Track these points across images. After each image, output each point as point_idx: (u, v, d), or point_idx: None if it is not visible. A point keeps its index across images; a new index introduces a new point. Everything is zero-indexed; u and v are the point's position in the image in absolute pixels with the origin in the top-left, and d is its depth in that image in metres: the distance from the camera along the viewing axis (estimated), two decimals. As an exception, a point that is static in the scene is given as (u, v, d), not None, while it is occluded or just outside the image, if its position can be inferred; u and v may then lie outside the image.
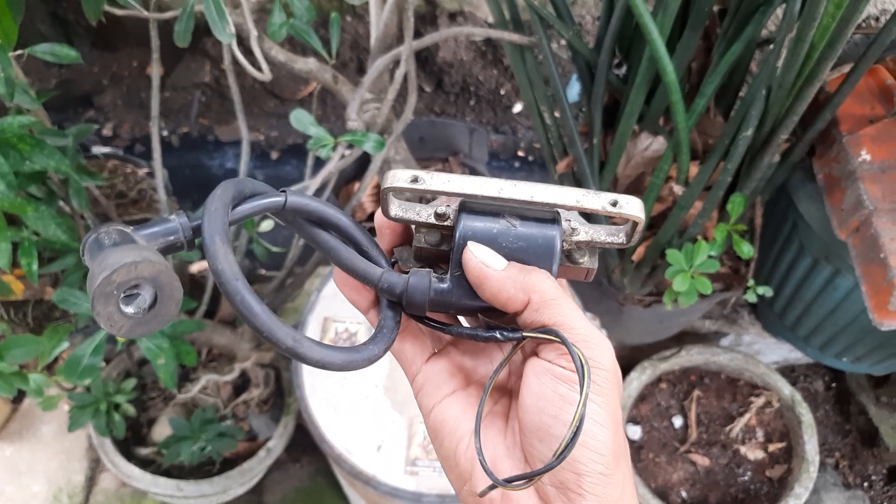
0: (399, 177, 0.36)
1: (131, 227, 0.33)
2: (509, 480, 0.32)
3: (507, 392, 0.38)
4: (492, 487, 0.32)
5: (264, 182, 0.37)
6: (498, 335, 0.35)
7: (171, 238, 0.33)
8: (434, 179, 0.35)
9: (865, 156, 0.98)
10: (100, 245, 0.31)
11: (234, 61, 0.99)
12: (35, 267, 1.01)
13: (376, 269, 0.37)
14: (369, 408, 0.97)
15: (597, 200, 0.36)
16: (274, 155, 2.15)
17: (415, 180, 0.35)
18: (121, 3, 0.87)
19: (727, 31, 0.98)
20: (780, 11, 0.98)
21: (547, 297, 0.33)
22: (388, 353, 0.37)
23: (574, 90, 1.99)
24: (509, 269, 0.34)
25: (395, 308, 0.38)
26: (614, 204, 0.36)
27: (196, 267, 1.58)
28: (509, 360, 0.36)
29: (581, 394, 0.31)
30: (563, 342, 0.32)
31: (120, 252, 0.30)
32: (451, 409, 0.36)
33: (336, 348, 0.34)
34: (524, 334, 0.35)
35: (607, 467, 0.32)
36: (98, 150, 2.09)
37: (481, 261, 0.34)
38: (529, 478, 0.32)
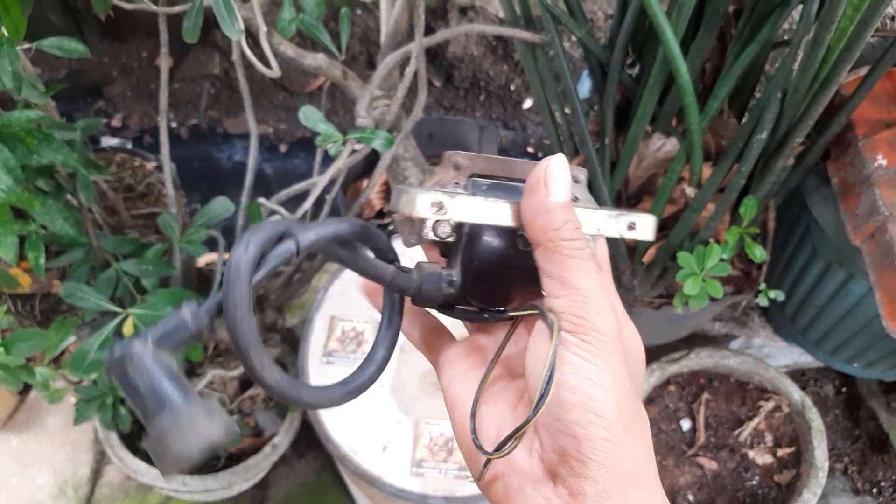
0: (419, 204, 0.34)
1: (149, 335, 0.30)
2: (497, 449, 0.32)
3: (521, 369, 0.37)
4: (486, 464, 0.32)
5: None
6: (486, 315, 0.36)
7: (186, 336, 0.31)
8: (458, 206, 0.34)
9: (881, 161, 0.97)
10: (133, 386, 0.29)
11: (243, 57, 0.98)
12: (42, 261, 1.01)
13: (388, 268, 0.36)
14: (375, 408, 0.97)
15: (615, 226, 0.35)
16: (283, 148, 2.15)
17: (439, 208, 0.34)
18: (130, -4, 0.86)
19: (742, 31, 0.97)
20: (796, 13, 0.96)
21: (562, 250, 0.32)
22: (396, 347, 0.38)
23: (585, 86, 1.97)
24: (559, 205, 0.32)
25: (397, 307, 0.38)
26: (631, 227, 0.36)
27: (203, 259, 1.58)
28: (511, 335, 0.37)
29: (551, 345, 0.30)
30: (540, 311, 0.32)
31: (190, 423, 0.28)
32: (465, 385, 0.36)
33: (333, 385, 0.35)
34: (509, 314, 0.36)
35: (610, 432, 0.30)
36: (107, 141, 2.10)
37: (548, 178, 0.32)
38: (513, 436, 0.31)
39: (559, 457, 0.31)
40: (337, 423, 0.95)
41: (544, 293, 0.33)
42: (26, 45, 0.92)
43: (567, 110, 1.13)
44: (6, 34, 0.83)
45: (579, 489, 0.30)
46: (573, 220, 0.32)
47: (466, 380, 0.36)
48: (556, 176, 0.32)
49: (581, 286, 0.31)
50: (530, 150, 2.17)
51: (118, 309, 1.00)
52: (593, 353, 0.31)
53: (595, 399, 0.30)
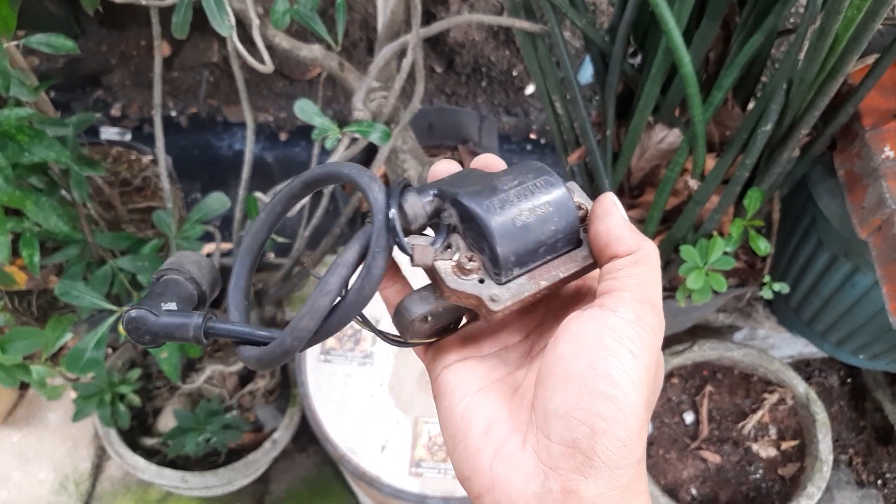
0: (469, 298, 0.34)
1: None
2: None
3: (524, 362, 0.37)
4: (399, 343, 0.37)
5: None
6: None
7: (181, 337, 0.35)
8: (507, 296, 0.34)
9: (889, 152, 0.95)
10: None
11: (238, 51, 0.96)
12: (37, 258, 1.00)
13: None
14: (374, 407, 0.96)
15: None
16: (283, 136, 2.13)
17: (491, 300, 0.34)
18: (118, -9, 0.85)
19: (747, 20, 0.94)
20: (802, 0, 0.94)
21: (651, 261, 0.34)
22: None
23: (587, 71, 1.95)
24: (626, 224, 0.35)
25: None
26: None
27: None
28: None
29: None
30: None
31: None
32: (457, 373, 0.36)
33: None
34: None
35: (629, 435, 0.29)
36: (106, 131, 2.08)
37: (615, 202, 0.35)
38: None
39: (567, 448, 0.29)
40: (335, 423, 0.94)
41: (614, 289, 0.33)
42: (15, 42, 0.90)
43: (568, 97, 1.11)
44: (-7, 31, 0.81)
45: (575, 488, 0.29)
46: (642, 236, 0.35)
47: (459, 371, 0.36)
48: (618, 204, 0.35)
49: (654, 293, 0.33)
50: (533, 136, 2.15)
51: (114, 307, 0.99)
52: (643, 353, 0.30)
53: (628, 396, 0.29)
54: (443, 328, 0.37)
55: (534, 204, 0.34)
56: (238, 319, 0.36)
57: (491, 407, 0.34)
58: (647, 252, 0.34)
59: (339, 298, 0.33)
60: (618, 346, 0.30)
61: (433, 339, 0.37)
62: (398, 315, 0.35)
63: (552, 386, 0.31)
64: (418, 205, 0.34)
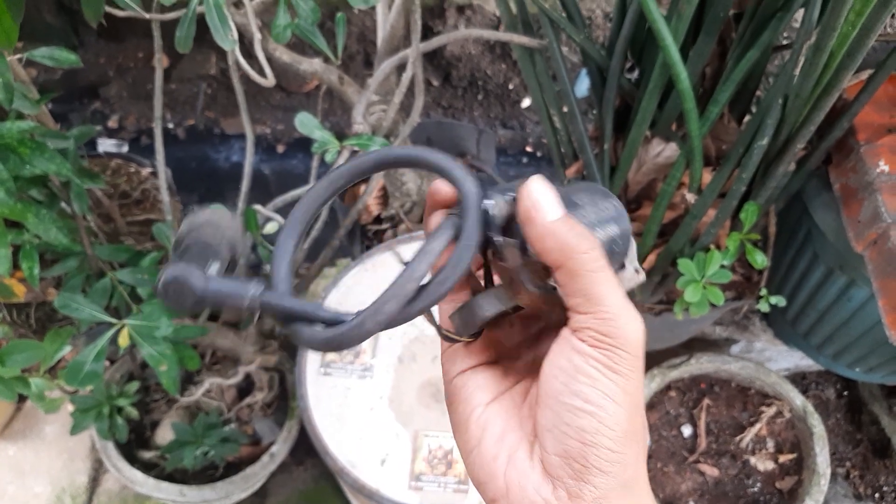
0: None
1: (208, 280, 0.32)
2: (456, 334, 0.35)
3: (529, 371, 0.37)
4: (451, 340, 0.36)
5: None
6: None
7: (232, 305, 0.32)
8: None
9: (884, 167, 0.96)
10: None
11: (237, 64, 0.97)
12: (36, 271, 1.00)
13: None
14: (374, 420, 0.96)
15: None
16: (280, 148, 2.13)
17: None
18: (120, 4, 0.85)
19: (743, 36, 0.95)
20: (798, 16, 0.95)
21: (584, 266, 0.31)
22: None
23: (584, 84, 1.96)
24: (560, 222, 0.32)
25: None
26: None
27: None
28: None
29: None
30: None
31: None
32: (473, 379, 0.36)
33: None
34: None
35: (616, 444, 0.31)
36: (103, 143, 2.08)
37: (536, 202, 0.32)
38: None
39: (562, 459, 0.32)
40: (335, 436, 0.94)
41: (568, 306, 0.32)
42: (18, 56, 0.91)
43: (565, 110, 1.11)
44: (-4, 44, 0.82)
45: (578, 492, 0.31)
46: (582, 232, 0.32)
47: (475, 375, 0.37)
48: (543, 195, 0.32)
49: (607, 301, 0.32)
50: (529, 149, 2.16)
51: (113, 320, 0.99)
52: (613, 368, 0.31)
53: (607, 412, 0.31)
54: (481, 329, 0.37)
55: (603, 219, 0.34)
56: (286, 293, 0.33)
57: (503, 416, 0.35)
58: (577, 263, 0.32)
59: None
60: (585, 365, 0.31)
61: (471, 339, 0.37)
62: (469, 311, 0.35)
63: (541, 402, 0.33)
64: (501, 203, 0.33)
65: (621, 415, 0.31)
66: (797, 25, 0.95)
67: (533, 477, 0.32)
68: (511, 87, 2.19)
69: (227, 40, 0.79)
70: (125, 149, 2.09)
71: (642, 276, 0.37)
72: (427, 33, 2.05)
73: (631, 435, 0.32)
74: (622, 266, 0.36)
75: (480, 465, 0.34)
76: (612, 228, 0.35)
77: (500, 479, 0.33)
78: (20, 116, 0.96)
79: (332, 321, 0.32)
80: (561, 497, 0.32)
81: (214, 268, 0.32)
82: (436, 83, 2.20)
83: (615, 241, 0.35)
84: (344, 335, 0.31)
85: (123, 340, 1.00)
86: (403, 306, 0.31)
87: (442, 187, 0.35)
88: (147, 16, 0.88)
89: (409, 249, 1.15)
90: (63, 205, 1.05)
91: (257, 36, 0.92)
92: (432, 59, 2.18)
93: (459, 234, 0.32)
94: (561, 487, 0.32)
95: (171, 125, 2.16)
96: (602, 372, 0.31)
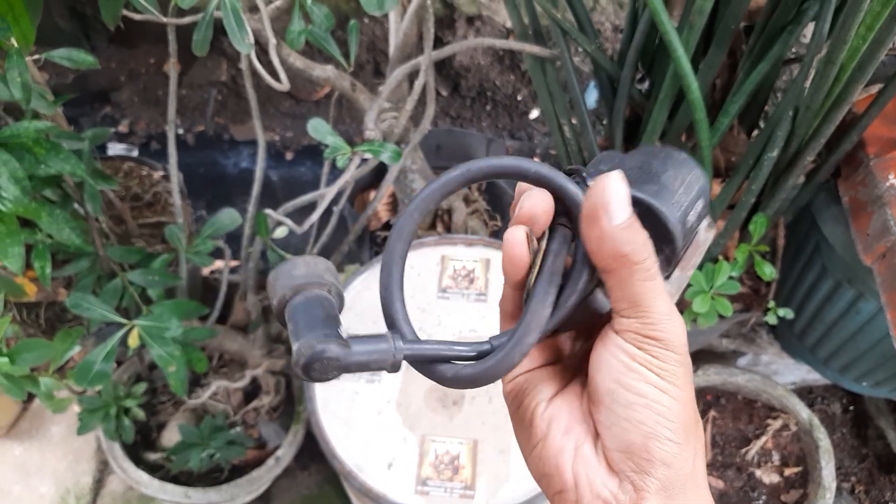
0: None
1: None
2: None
3: (582, 368, 0.37)
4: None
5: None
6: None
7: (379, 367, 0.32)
8: None
9: (893, 180, 0.96)
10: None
11: (251, 68, 0.98)
12: (48, 270, 1.01)
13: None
14: (381, 424, 0.96)
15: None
16: (289, 156, 2.15)
17: None
18: (138, 7, 0.86)
19: (753, 48, 0.96)
20: (808, 30, 0.96)
21: (635, 276, 0.31)
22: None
23: (592, 97, 1.97)
24: (623, 229, 0.30)
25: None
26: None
27: (208, 269, 1.58)
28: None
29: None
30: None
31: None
32: (536, 376, 0.37)
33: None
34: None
35: (676, 434, 0.32)
36: (113, 147, 2.10)
37: (606, 203, 0.30)
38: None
39: (624, 454, 0.32)
40: (342, 440, 0.94)
41: (612, 308, 0.33)
42: (35, 57, 0.92)
43: (575, 121, 1.12)
44: (15, 45, 0.83)
45: (643, 485, 0.32)
46: (641, 238, 0.31)
47: (539, 373, 0.37)
48: (616, 195, 0.30)
49: (653, 308, 0.32)
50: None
51: (123, 320, 1.00)
52: (661, 367, 0.32)
53: (662, 403, 0.32)
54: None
55: (693, 199, 0.33)
56: (411, 335, 0.33)
57: (567, 409, 0.35)
58: (629, 269, 0.31)
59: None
60: (633, 363, 0.32)
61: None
62: (586, 306, 0.34)
63: (596, 401, 0.33)
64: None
65: (677, 408, 0.32)
66: (806, 41, 0.95)
67: (600, 471, 0.33)
68: (519, 97, 2.21)
69: (244, 44, 0.80)
70: (135, 153, 2.10)
71: (713, 231, 0.36)
72: (436, 44, 2.06)
73: (689, 428, 0.32)
74: (675, 266, 0.35)
75: (546, 459, 0.34)
76: (700, 205, 0.34)
77: (567, 472, 0.33)
78: (36, 116, 0.97)
79: (472, 357, 0.32)
80: (627, 490, 0.32)
81: (343, 330, 0.31)
82: (444, 93, 2.21)
83: (701, 215, 0.34)
84: (489, 371, 0.32)
85: (133, 341, 1.01)
86: (542, 334, 0.32)
87: (538, 201, 0.33)
88: (164, 20, 0.89)
89: (417, 255, 1.15)
90: (76, 205, 1.06)
91: (272, 41, 0.92)
92: (441, 69, 2.20)
93: (574, 249, 0.32)
94: (627, 481, 0.32)
95: (181, 131, 2.17)
96: (651, 369, 0.32)
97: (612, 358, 0.32)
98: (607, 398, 0.33)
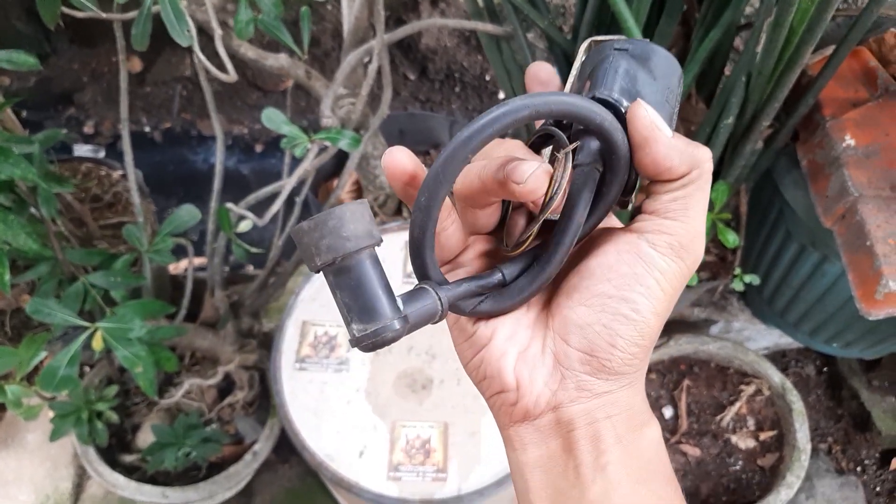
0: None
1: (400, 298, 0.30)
2: (515, 246, 0.34)
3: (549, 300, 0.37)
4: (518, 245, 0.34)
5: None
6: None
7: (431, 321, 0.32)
8: None
9: (850, 141, 0.96)
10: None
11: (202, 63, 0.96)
12: (7, 277, 0.99)
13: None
14: (351, 413, 0.96)
15: None
16: (258, 148, 2.13)
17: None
18: (77, 5, 0.84)
19: (706, 16, 0.95)
20: (759, -6, 0.95)
21: (703, 177, 0.32)
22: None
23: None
24: (678, 139, 0.32)
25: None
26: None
27: (175, 267, 1.56)
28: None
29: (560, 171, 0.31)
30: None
31: None
32: (504, 327, 0.36)
33: None
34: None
35: (643, 350, 0.32)
36: (79, 149, 2.07)
37: (654, 122, 0.31)
38: (526, 237, 0.33)
39: (586, 355, 0.32)
40: (312, 431, 0.94)
41: (651, 212, 0.33)
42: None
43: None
44: (-48, 50, 0.81)
45: (588, 386, 0.33)
46: (696, 143, 0.32)
47: (505, 323, 0.36)
48: (657, 117, 0.32)
49: (698, 218, 0.32)
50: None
51: (86, 323, 0.98)
52: (672, 284, 0.32)
53: (648, 324, 0.32)
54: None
55: (671, 84, 0.34)
56: (440, 278, 0.32)
57: (513, 317, 0.35)
58: (700, 172, 0.32)
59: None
60: (647, 276, 0.32)
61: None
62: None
63: (578, 298, 0.33)
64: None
65: (657, 326, 0.32)
66: (759, 5, 0.95)
67: (542, 370, 0.33)
68: (488, 78, 2.19)
69: (184, 36, 0.79)
70: (102, 154, 2.08)
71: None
72: (400, 26, 2.05)
73: (654, 341, 0.33)
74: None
75: (489, 362, 0.34)
76: (678, 90, 0.35)
77: (508, 373, 0.34)
78: (-18, 122, 0.95)
79: (494, 286, 0.33)
80: (568, 388, 0.33)
81: (398, 298, 0.30)
82: (412, 77, 2.20)
83: (678, 97, 0.35)
84: (538, 282, 0.33)
85: (97, 344, 0.99)
86: (566, 255, 0.33)
87: (537, 186, 0.32)
88: (104, 16, 0.87)
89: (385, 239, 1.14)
90: (32, 210, 1.04)
91: (217, 31, 0.91)
92: (408, 53, 2.18)
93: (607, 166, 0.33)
94: (571, 380, 0.33)
95: (147, 129, 2.14)
96: (661, 285, 0.32)
97: (623, 265, 0.32)
98: (595, 300, 0.32)
